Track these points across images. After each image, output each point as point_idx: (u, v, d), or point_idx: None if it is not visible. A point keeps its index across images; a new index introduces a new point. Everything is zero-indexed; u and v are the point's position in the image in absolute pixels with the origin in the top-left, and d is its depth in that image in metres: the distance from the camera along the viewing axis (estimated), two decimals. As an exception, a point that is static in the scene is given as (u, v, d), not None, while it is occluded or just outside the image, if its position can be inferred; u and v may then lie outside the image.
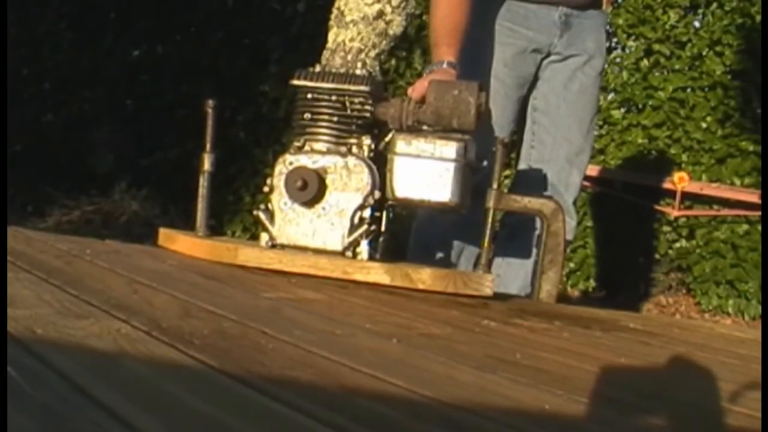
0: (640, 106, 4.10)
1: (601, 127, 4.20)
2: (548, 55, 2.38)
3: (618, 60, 4.18)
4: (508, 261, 2.40)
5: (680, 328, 2.11)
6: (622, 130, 4.14)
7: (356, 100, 1.95)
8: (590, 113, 2.44)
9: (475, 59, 2.25)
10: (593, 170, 4.01)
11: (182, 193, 3.46)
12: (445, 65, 2.09)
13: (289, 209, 1.92)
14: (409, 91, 2.04)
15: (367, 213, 1.91)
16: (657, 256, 4.12)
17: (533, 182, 2.36)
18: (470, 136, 1.95)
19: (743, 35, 3.92)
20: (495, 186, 1.91)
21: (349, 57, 2.53)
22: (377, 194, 1.91)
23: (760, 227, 3.83)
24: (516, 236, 2.41)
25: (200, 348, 1.05)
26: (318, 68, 2.01)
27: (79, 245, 1.92)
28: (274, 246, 1.93)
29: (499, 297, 1.93)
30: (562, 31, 2.37)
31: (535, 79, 2.40)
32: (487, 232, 1.92)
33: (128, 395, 0.83)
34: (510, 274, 2.38)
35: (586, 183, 3.95)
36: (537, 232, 2.28)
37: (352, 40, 2.64)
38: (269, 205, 1.94)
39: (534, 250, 2.33)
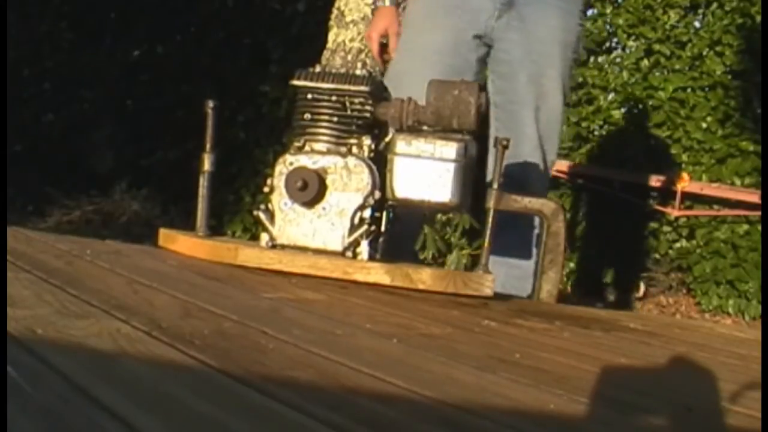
0: (640, 106, 4.10)
1: (601, 127, 4.20)
2: (491, 43, 2.30)
3: (618, 60, 4.18)
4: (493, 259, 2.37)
5: (680, 328, 2.11)
6: (622, 130, 4.14)
7: (356, 100, 1.95)
8: (553, 108, 2.31)
9: None
10: (593, 170, 4.01)
11: (182, 193, 3.46)
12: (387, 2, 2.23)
13: (290, 209, 1.92)
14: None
15: (367, 213, 1.91)
16: (657, 256, 4.12)
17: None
18: (470, 136, 1.95)
19: (743, 35, 3.92)
20: (495, 186, 1.91)
21: (349, 57, 2.53)
22: (377, 194, 1.91)
23: (760, 227, 3.83)
24: (499, 235, 2.38)
25: (200, 348, 1.05)
26: (318, 68, 2.01)
27: (79, 245, 1.92)
28: (274, 246, 1.93)
29: (499, 297, 1.93)
30: (501, 12, 2.30)
31: (484, 68, 2.33)
32: (488, 232, 1.92)
33: (128, 395, 0.83)
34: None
35: (585, 183, 3.96)
36: (535, 231, 2.27)
37: (352, 40, 2.64)
38: (269, 205, 1.94)
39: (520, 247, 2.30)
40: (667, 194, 4.01)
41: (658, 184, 3.98)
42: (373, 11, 2.35)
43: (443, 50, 2.28)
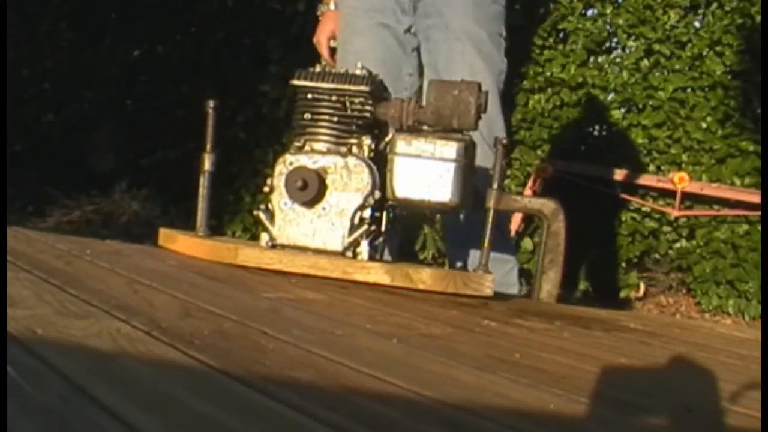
0: (640, 106, 4.10)
1: (601, 127, 4.19)
2: (412, 36, 2.33)
3: (618, 60, 4.18)
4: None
5: (680, 328, 2.11)
6: (622, 130, 4.13)
7: (356, 100, 1.95)
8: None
9: None
10: (593, 170, 4.01)
11: (182, 193, 3.46)
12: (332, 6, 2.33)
13: (290, 209, 1.92)
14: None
15: (367, 213, 1.91)
16: (657, 256, 4.12)
17: None
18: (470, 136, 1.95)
19: (743, 35, 3.92)
20: (495, 186, 1.91)
21: (349, 57, 2.51)
22: (377, 194, 1.91)
23: (760, 227, 3.82)
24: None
25: (200, 348, 1.05)
26: (318, 68, 2.01)
27: (79, 245, 1.92)
28: (274, 246, 1.93)
29: (499, 297, 1.93)
30: (415, 2, 2.31)
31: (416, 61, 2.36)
32: (488, 232, 1.92)
33: (128, 395, 0.83)
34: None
35: (585, 183, 3.96)
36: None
37: (352, 40, 2.62)
38: (269, 205, 1.94)
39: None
40: (666, 194, 4.00)
41: (658, 184, 3.98)
42: (319, 16, 2.40)
43: (377, 49, 2.32)
